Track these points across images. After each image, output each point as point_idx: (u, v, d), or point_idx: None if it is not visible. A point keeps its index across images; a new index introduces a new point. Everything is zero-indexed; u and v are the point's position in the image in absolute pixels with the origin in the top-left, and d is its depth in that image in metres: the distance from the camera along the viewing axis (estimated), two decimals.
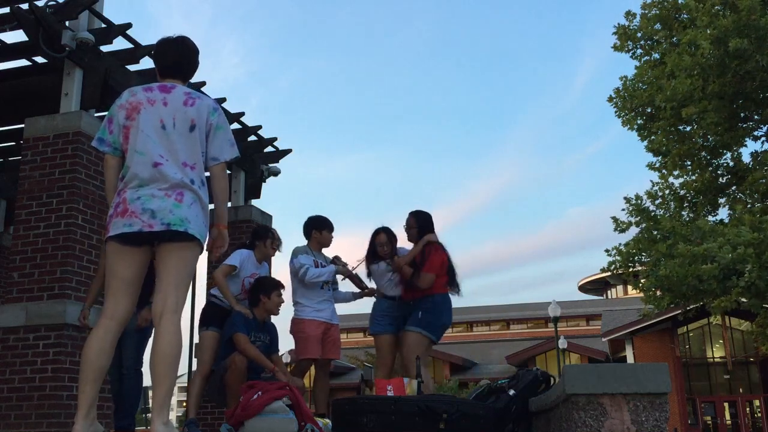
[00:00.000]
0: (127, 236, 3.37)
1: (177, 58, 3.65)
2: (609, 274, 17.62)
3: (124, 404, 5.41)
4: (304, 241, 6.27)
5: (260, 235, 6.00)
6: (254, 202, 9.94)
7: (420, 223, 5.97)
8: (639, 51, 16.81)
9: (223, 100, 8.88)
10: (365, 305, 6.65)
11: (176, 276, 3.41)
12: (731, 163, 16.33)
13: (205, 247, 3.58)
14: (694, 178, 16.45)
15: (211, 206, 3.67)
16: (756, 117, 15.78)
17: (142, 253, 3.46)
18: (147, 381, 5.72)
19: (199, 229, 3.44)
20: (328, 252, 6.36)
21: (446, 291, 5.86)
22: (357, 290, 6.34)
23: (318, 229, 6.21)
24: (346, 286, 6.35)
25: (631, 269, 15.60)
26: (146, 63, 7.79)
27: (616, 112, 16.68)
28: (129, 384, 5.40)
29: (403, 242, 6.14)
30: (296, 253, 6.15)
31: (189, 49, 3.69)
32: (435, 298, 5.75)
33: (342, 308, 6.67)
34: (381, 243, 6.13)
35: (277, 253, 6.13)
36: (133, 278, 3.46)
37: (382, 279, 6.14)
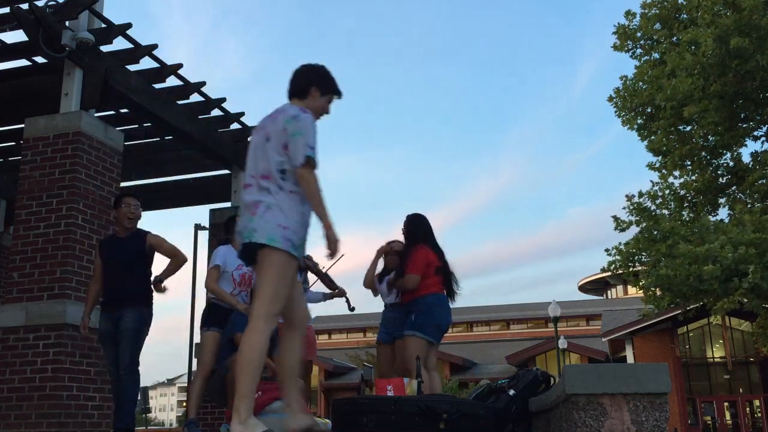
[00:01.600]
0: (241, 258, 3.79)
1: (291, 83, 3.93)
2: (609, 274, 17.61)
3: (123, 403, 5.42)
4: None
5: (228, 228, 6.09)
6: None
7: (409, 227, 5.95)
8: (639, 51, 16.81)
9: (224, 99, 8.87)
10: (366, 306, 6.67)
11: (261, 285, 3.63)
12: (731, 163, 16.33)
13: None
14: (694, 178, 16.45)
15: None
16: (756, 117, 15.77)
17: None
18: (146, 381, 5.71)
19: (268, 233, 3.56)
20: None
21: (439, 291, 5.75)
22: (328, 291, 6.36)
23: None
24: (317, 286, 6.37)
25: (631, 269, 15.59)
26: (146, 63, 7.80)
27: (616, 111, 16.68)
28: (126, 384, 5.40)
29: None
30: None
31: (299, 72, 3.93)
32: (426, 299, 5.68)
33: (341, 308, 6.68)
34: (387, 251, 6.18)
35: None
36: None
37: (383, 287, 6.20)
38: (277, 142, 3.65)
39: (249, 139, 3.84)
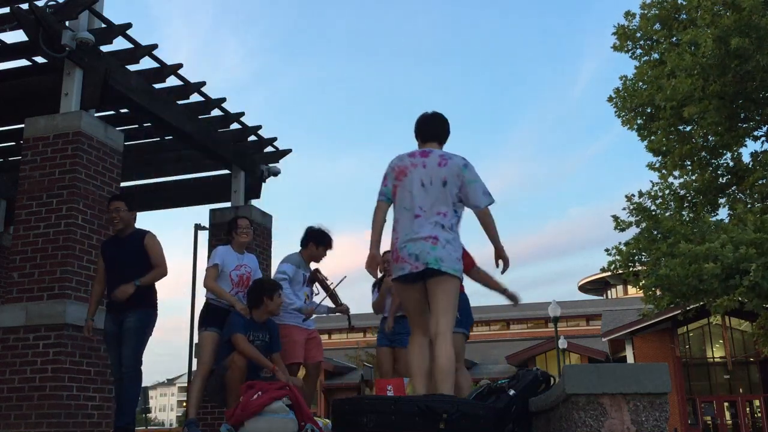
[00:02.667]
0: (403, 277, 4.33)
1: (435, 128, 4.62)
2: (609, 274, 17.60)
3: (124, 403, 5.42)
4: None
5: (228, 229, 6.10)
6: (254, 202, 9.94)
7: None
8: (639, 51, 16.80)
9: (224, 99, 8.87)
10: (367, 306, 6.76)
11: (441, 304, 4.27)
12: (731, 163, 16.32)
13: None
14: (694, 178, 16.44)
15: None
16: (756, 117, 15.77)
17: (417, 287, 4.37)
18: (146, 381, 5.71)
19: (452, 265, 4.27)
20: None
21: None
22: (332, 305, 6.44)
23: (317, 243, 6.23)
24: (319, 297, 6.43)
25: (631, 269, 15.59)
26: (146, 63, 7.80)
27: (615, 112, 16.67)
28: (128, 383, 5.41)
29: None
30: (284, 260, 6.20)
31: (443, 120, 4.66)
32: (462, 296, 5.74)
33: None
34: (386, 260, 6.26)
35: (248, 235, 6.13)
36: (418, 305, 4.40)
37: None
38: (454, 186, 4.37)
39: (398, 169, 4.51)
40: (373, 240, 4.43)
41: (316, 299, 6.29)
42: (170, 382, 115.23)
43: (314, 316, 6.37)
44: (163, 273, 5.61)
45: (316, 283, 6.33)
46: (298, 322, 6.06)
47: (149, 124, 8.90)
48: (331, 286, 6.32)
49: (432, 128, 4.61)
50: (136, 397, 5.49)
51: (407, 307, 4.48)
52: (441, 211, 4.33)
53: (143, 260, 5.57)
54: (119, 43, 7.38)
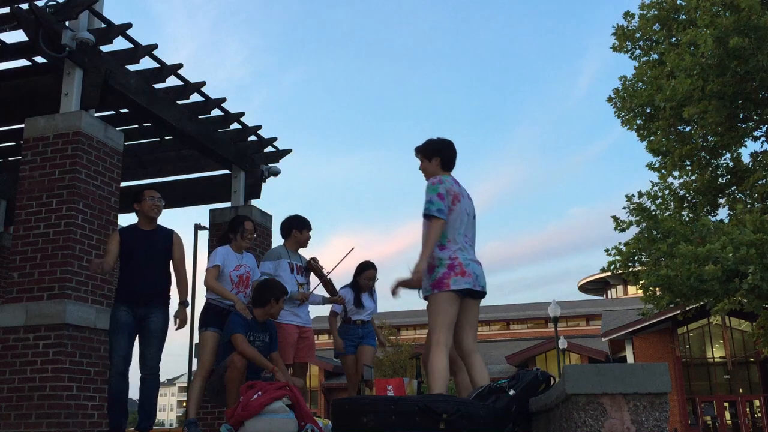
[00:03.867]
0: (464, 290, 4.62)
1: (455, 158, 4.96)
2: (609, 274, 17.59)
3: (148, 404, 5.48)
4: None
5: (232, 229, 6.11)
6: (254, 202, 9.95)
7: None
8: (638, 51, 16.79)
9: (223, 99, 8.87)
10: (388, 306, 6.88)
11: (476, 323, 4.86)
12: (731, 164, 16.31)
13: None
14: (693, 178, 16.43)
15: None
16: (755, 117, 15.76)
17: (460, 302, 4.69)
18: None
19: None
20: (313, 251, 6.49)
21: None
22: (328, 295, 6.47)
23: (299, 228, 6.30)
24: (318, 289, 6.50)
25: (631, 269, 15.58)
26: (146, 63, 7.80)
27: (615, 112, 16.66)
28: (150, 385, 5.45)
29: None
30: (267, 257, 6.24)
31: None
32: None
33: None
34: (370, 278, 6.66)
35: (252, 240, 6.16)
36: (455, 319, 4.67)
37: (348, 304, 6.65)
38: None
39: (453, 193, 4.78)
40: (425, 256, 4.54)
41: (309, 290, 6.32)
42: (170, 382, 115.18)
43: (313, 315, 6.38)
44: (184, 276, 5.72)
45: (312, 273, 6.35)
46: (293, 320, 6.06)
47: (149, 124, 8.90)
48: (326, 275, 6.34)
49: (454, 158, 4.96)
50: (156, 400, 5.56)
51: (448, 319, 4.61)
52: (475, 240, 4.89)
53: (167, 257, 5.61)
54: (119, 43, 7.39)
